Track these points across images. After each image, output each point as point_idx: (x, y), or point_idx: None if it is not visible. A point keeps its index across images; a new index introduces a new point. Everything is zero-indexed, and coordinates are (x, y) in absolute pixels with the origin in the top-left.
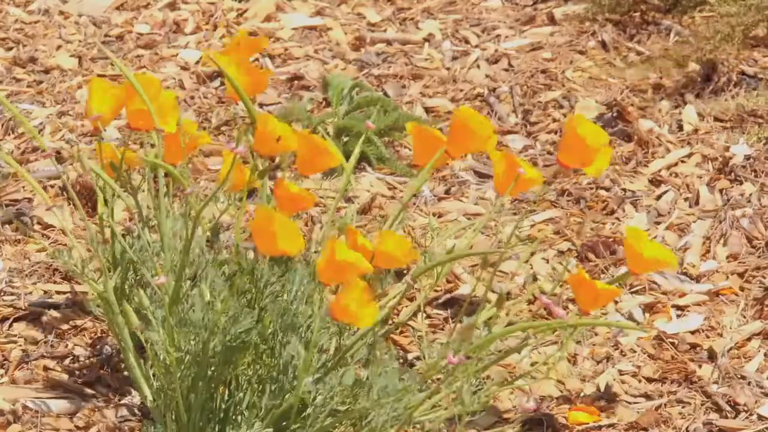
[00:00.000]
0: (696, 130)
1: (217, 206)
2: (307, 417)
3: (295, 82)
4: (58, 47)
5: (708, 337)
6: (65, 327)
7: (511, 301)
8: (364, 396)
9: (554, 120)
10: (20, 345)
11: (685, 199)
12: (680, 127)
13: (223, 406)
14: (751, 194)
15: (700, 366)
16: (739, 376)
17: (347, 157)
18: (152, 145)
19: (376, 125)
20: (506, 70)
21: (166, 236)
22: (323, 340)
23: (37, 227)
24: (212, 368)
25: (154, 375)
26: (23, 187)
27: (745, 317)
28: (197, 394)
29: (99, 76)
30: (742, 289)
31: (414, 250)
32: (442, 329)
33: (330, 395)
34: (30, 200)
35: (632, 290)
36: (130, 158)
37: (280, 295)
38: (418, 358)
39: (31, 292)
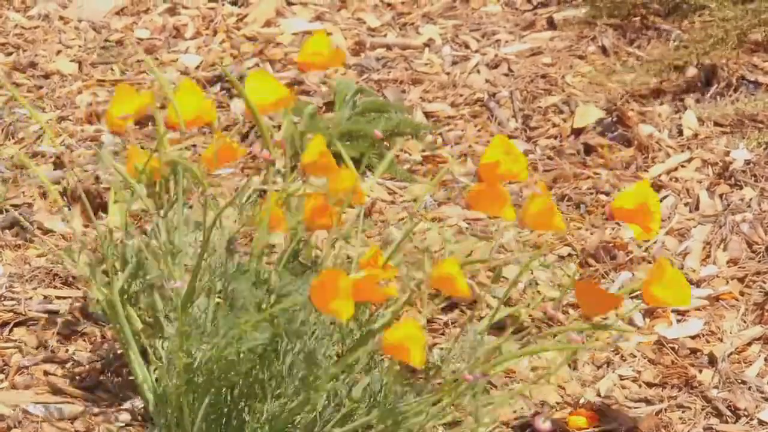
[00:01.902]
0: (696, 135)
1: (238, 217)
2: (311, 424)
3: (295, 87)
4: (58, 52)
5: (708, 341)
6: (66, 332)
7: (512, 308)
8: (366, 403)
9: (554, 125)
10: (20, 350)
11: (685, 204)
12: (680, 132)
13: (225, 412)
14: (751, 199)
15: (700, 371)
16: (739, 381)
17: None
18: (155, 150)
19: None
20: (506, 74)
21: (181, 239)
22: (326, 348)
23: (37, 232)
24: (225, 376)
25: (156, 380)
26: (23, 192)
27: (745, 322)
28: (201, 400)
29: (99, 81)
30: (742, 293)
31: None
32: (443, 334)
33: (335, 404)
34: (30, 205)
35: (632, 295)
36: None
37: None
38: None
39: (31, 297)
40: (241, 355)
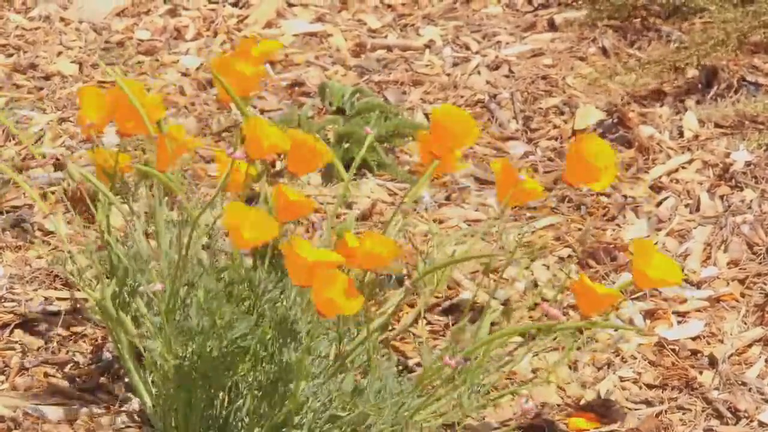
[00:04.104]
0: (696, 136)
1: (212, 213)
2: (305, 423)
3: (296, 88)
4: (59, 53)
5: (709, 343)
6: (66, 334)
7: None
8: (361, 401)
9: (555, 126)
10: (21, 351)
11: (686, 206)
12: (681, 134)
13: (223, 413)
14: (751, 200)
15: (700, 372)
16: (739, 383)
17: (348, 163)
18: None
19: (376, 131)
20: (507, 76)
21: (163, 243)
22: (322, 347)
23: (38, 234)
24: (210, 374)
25: (153, 382)
26: (24, 193)
27: (745, 323)
28: (196, 401)
29: (100, 82)
30: (742, 295)
31: (398, 247)
32: (443, 335)
33: (328, 400)
34: (30, 207)
35: (633, 296)
36: (121, 164)
37: (278, 302)
38: (418, 365)
39: (31, 299)
40: (225, 349)
